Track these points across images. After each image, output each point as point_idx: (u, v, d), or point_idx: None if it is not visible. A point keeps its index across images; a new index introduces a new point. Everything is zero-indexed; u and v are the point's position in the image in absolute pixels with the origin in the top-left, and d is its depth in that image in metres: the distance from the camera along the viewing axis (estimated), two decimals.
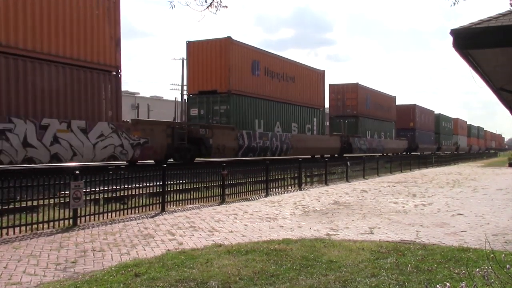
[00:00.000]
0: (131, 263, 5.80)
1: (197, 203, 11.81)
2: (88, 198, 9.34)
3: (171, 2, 7.99)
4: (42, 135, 14.85)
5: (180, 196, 11.46)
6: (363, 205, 11.87)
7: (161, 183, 10.90)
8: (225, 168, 12.87)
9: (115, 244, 7.10)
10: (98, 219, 9.15)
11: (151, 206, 10.53)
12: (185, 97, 57.79)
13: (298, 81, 31.79)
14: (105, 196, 10.10)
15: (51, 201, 8.82)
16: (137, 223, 8.92)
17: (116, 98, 17.77)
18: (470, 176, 24.53)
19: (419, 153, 52.67)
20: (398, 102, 54.21)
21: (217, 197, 12.54)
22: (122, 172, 11.02)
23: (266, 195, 14.09)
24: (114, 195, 10.31)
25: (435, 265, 5.71)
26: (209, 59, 25.20)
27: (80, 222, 8.77)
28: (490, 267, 4.10)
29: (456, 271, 5.38)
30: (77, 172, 9.03)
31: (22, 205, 8.75)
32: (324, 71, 36.29)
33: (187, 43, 26.03)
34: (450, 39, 5.60)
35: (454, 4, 9.01)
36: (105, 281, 5.07)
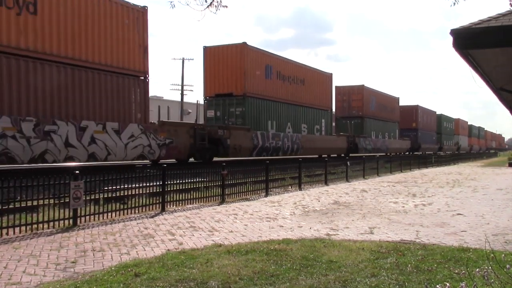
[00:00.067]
0: (131, 263, 5.80)
1: (197, 203, 11.82)
2: (88, 198, 9.34)
3: (171, 2, 7.99)
4: (81, 136, 16.14)
5: (180, 196, 11.47)
6: (363, 205, 11.87)
7: (161, 183, 10.91)
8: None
9: (115, 244, 7.10)
10: (98, 219, 9.16)
11: (151, 206, 10.54)
12: (185, 97, 57.65)
13: (307, 83, 33.00)
14: (105, 196, 10.11)
15: (51, 201, 8.83)
16: (137, 223, 8.92)
17: (144, 101, 19.10)
18: (470, 176, 24.53)
19: (421, 153, 53.15)
20: (399, 102, 54.96)
21: (217, 197, 12.54)
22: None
23: (266, 195, 14.09)
24: (114, 195, 10.32)
25: (435, 265, 5.72)
26: (225, 63, 26.37)
27: (80, 222, 8.77)
28: (490, 267, 4.10)
29: (456, 271, 5.38)
30: (77, 172, 9.04)
31: (22, 205, 8.76)
32: (331, 73, 37.38)
33: (204, 48, 27.15)
34: (450, 39, 5.60)
35: (454, 4, 9.03)
36: (105, 281, 5.08)
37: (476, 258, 6.10)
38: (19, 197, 8.81)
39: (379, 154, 42.69)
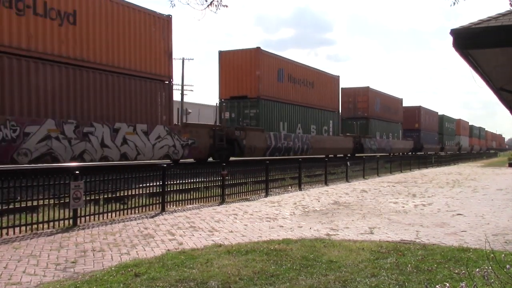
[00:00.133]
0: (131, 263, 5.80)
1: (197, 203, 11.81)
2: (88, 198, 9.34)
3: (171, 1, 7.99)
4: (114, 137, 17.38)
5: (180, 196, 11.46)
6: (363, 205, 11.87)
7: (161, 183, 10.91)
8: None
9: (115, 244, 7.10)
10: (98, 219, 9.15)
11: (151, 206, 10.54)
12: (185, 97, 57.67)
13: (316, 86, 34.24)
14: (105, 196, 10.10)
15: (51, 201, 8.82)
16: (137, 223, 8.92)
17: (168, 104, 20.37)
18: (470, 176, 24.53)
19: (424, 153, 53.70)
20: (402, 103, 55.93)
21: (217, 197, 12.54)
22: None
23: (266, 195, 14.09)
24: (114, 195, 10.32)
25: (435, 265, 5.71)
26: (240, 67, 27.56)
27: (80, 222, 8.77)
28: (490, 267, 4.10)
29: (456, 271, 5.38)
30: (77, 172, 9.04)
31: (22, 205, 8.76)
32: (339, 76, 38.58)
33: (219, 53, 28.33)
34: (450, 39, 5.59)
35: (454, 4, 9.02)
36: (105, 281, 5.07)
37: (476, 258, 6.10)
38: (19, 197, 8.81)
39: (384, 154, 43.58)
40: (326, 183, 18.21)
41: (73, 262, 5.99)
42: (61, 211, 8.58)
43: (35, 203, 8.72)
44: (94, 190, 9.87)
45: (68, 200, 8.71)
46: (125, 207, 9.97)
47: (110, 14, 17.50)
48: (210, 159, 23.88)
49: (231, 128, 25.19)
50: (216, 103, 28.96)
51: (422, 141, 57.79)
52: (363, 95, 44.04)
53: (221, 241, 7.27)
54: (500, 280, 3.72)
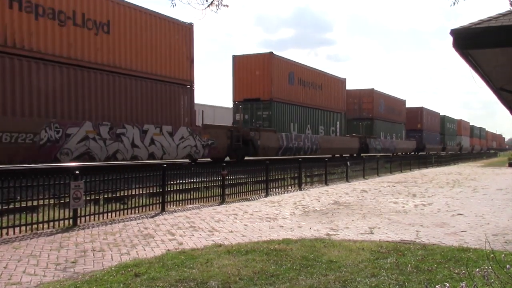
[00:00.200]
0: (131, 263, 5.80)
1: (197, 203, 11.81)
2: (88, 198, 9.34)
3: (172, 0, 7.98)
4: (143, 138, 18.75)
5: (180, 196, 11.47)
6: (363, 205, 11.87)
7: (161, 183, 10.91)
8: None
9: (115, 244, 7.10)
10: (98, 219, 9.15)
11: (151, 206, 10.54)
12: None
13: (324, 88, 35.73)
14: (105, 196, 10.11)
15: (51, 201, 8.82)
16: (137, 223, 8.92)
17: (190, 106, 21.70)
18: (470, 176, 24.53)
19: (426, 153, 54.56)
20: (405, 104, 57.11)
21: (217, 197, 12.54)
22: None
23: (266, 195, 14.09)
24: (114, 195, 10.32)
25: (435, 265, 5.71)
26: (253, 71, 28.94)
27: (80, 222, 8.77)
28: (490, 267, 4.10)
29: (456, 271, 5.38)
30: (77, 172, 9.04)
31: (22, 205, 8.75)
32: (345, 78, 40.11)
33: (233, 57, 29.68)
34: (450, 39, 5.59)
35: (454, 4, 9.01)
36: (105, 281, 5.07)
37: (476, 258, 6.09)
38: (19, 197, 8.81)
39: (388, 154, 44.62)
40: (326, 183, 18.21)
41: (73, 262, 5.99)
42: (61, 211, 8.58)
43: (35, 203, 8.71)
44: (94, 190, 9.87)
45: (68, 200, 8.71)
46: (125, 207, 9.97)
47: (139, 23, 18.89)
48: (227, 158, 25.03)
49: (247, 129, 26.34)
50: (233, 105, 30.16)
51: (425, 141, 58.79)
52: (368, 96, 45.40)
53: (221, 241, 7.26)
54: (500, 280, 3.72)
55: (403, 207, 11.63)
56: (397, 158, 32.33)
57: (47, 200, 8.80)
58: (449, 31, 5.61)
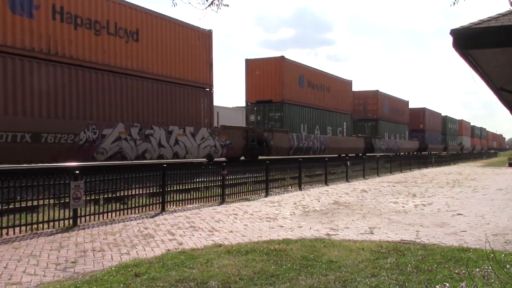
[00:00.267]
0: (131, 263, 5.80)
1: (197, 203, 11.81)
2: (88, 198, 9.34)
3: (173, 0, 7.97)
4: (169, 138, 20.00)
5: (180, 196, 11.46)
6: (363, 205, 11.87)
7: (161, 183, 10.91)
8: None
9: (115, 244, 7.10)
10: (98, 219, 9.15)
11: (151, 206, 10.54)
12: None
13: (332, 90, 37.07)
14: (105, 196, 10.11)
15: (51, 201, 8.82)
16: (137, 223, 8.92)
17: (209, 108, 23.07)
18: (470, 176, 24.53)
19: (428, 152, 55.27)
20: (409, 105, 58.11)
21: (217, 197, 12.54)
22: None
23: (266, 195, 14.09)
24: (114, 195, 10.32)
25: (435, 265, 5.71)
26: (265, 74, 30.28)
27: (80, 222, 8.77)
28: (490, 267, 4.10)
29: (456, 271, 5.38)
30: (77, 172, 9.04)
31: (22, 205, 8.75)
32: (351, 80, 41.49)
33: (246, 60, 31.17)
34: (450, 39, 5.59)
35: (454, 4, 8.99)
36: (105, 281, 5.07)
37: (476, 258, 6.09)
38: (19, 197, 8.81)
39: (392, 154, 45.53)
40: (326, 183, 18.21)
41: (73, 262, 5.99)
42: (61, 211, 8.58)
43: (35, 203, 8.71)
44: (94, 190, 9.87)
45: (68, 200, 8.71)
46: (125, 207, 9.97)
47: (164, 31, 20.23)
48: (242, 158, 26.19)
49: (261, 130, 27.53)
50: (249, 107, 31.31)
51: (427, 141, 59.78)
52: (373, 98, 46.69)
53: (221, 241, 7.27)
54: (500, 280, 3.72)
55: (403, 207, 11.63)
56: (397, 158, 32.39)
57: (47, 200, 8.80)
58: (449, 31, 5.61)
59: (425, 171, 29.45)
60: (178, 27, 21.02)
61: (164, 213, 10.28)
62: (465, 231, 8.29)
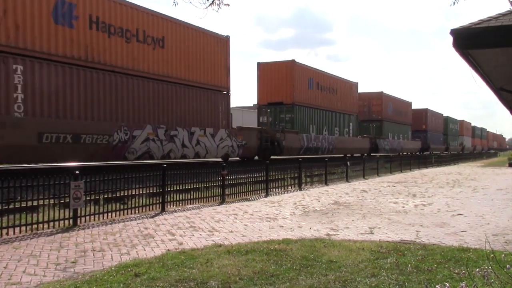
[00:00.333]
0: (131, 263, 5.80)
1: (197, 203, 11.81)
2: (88, 198, 9.34)
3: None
4: (191, 139, 21.19)
5: (180, 196, 11.46)
6: (363, 205, 11.87)
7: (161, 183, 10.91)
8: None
9: (115, 244, 7.10)
10: (98, 219, 9.15)
11: (151, 206, 10.54)
12: None
13: (339, 92, 38.16)
14: (105, 196, 10.11)
15: (51, 201, 8.82)
16: (137, 223, 8.92)
17: (227, 111, 24.31)
18: (470, 176, 24.53)
19: (430, 152, 55.83)
20: (411, 106, 59.02)
21: (217, 197, 12.54)
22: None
23: (266, 195, 14.09)
24: (114, 195, 10.32)
25: (435, 265, 5.71)
26: (276, 77, 31.31)
27: (80, 222, 8.77)
28: (490, 267, 4.10)
29: (456, 271, 5.38)
30: (77, 172, 9.03)
31: (22, 205, 8.75)
32: (357, 82, 42.64)
33: (257, 64, 32.14)
34: (450, 39, 5.58)
35: (454, 3, 8.98)
36: (105, 281, 5.07)
37: (476, 258, 6.09)
38: (19, 197, 8.81)
39: (396, 154, 46.36)
40: (326, 183, 18.21)
41: (73, 262, 5.99)
42: (61, 211, 8.58)
43: (35, 203, 8.71)
44: (94, 190, 9.88)
45: (68, 200, 8.71)
46: (125, 207, 9.97)
47: (187, 37, 21.48)
48: (256, 157, 27.15)
49: (273, 131, 28.58)
50: (263, 109, 32.26)
51: (429, 141, 60.63)
52: (377, 99, 47.68)
53: (221, 241, 7.27)
54: (500, 280, 3.72)
55: (403, 207, 11.63)
56: (397, 158, 32.43)
57: (47, 200, 8.80)
58: (449, 31, 5.61)
59: (425, 171, 29.45)
60: (199, 33, 22.26)
61: (164, 213, 10.28)
62: (465, 231, 8.29)
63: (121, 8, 18.07)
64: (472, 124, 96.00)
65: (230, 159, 25.11)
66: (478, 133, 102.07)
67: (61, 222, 8.46)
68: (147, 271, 5.39)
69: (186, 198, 11.60)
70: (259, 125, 30.43)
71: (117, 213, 9.62)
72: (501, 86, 9.14)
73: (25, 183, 8.39)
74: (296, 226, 8.75)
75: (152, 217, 9.71)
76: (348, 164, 20.80)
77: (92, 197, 9.77)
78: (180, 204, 11.31)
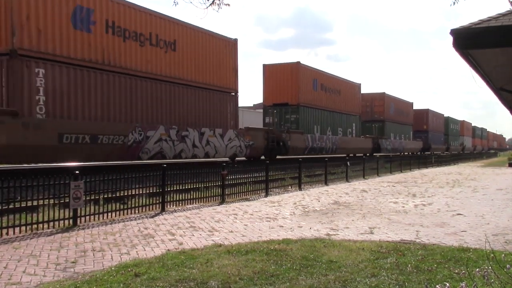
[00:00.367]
0: (131, 263, 5.80)
1: (197, 203, 11.81)
2: (88, 198, 9.34)
3: None
4: (201, 139, 21.81)
5: (180, 196, 11.46)
6: (363, 205, 11.87)
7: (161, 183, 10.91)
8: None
9: (115, 244, 7.10)
10: (98, 219, 9.15)
11: (151, 206, 10.54)
12: None
13: (342, 93, 38.76)
14: (105, 196, 10.11)
15: (51, 201, 8.82)
16: (137, 223, 8.92)
17: (235, 112, 24.98)
18: (470, 176, 24.53)
19: (431, 152, 56.20)
20: (413, 107, 59.48)
21: (217, 197, 12.54)
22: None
23: (266, 195, 14.09)
24: (114, 195, 10.32)
25: (435, 265, 5.71)
26: (282, 78, 31.88)
27: (80, 222, 8.77)
28: (490, 267, 4.10)
29: (456, 271, 5.38)
30: (77, 172, 9.03)
31: (22, 205, 8.75)
32: (360, 84, 43.23)
33: (263, 65, 32.75)
34: (450, 39, 5.58)
35: (454, 3, 8.98)
36: (105, 281, 5.07)
37: (476, 258, 6.09)
38: (19, 197, 8.81)
39: (397, 154, 46.91)
40: (326, 183, 18.21)
41: (73, 262, 5.99)
42: (61, 211, 8.58)
43: (35, 203, 8.71)
44: (94, 190, 9.87)
45: (68, 200, 8.71)
46: (125, 207, 9.97)
47: (197, 41, 22.13)
48: (262, 157, 27.49)
49: (279, 131, 29.12)
50: (270, 110, 32.67)
51: (430, 141, 61.15)
52: (380, 100, 48.27)
53: (221, 241, 7.27)
54: (500, 280, 3.71)
55: (403, 207, 11.63)
56: (397, 158, 32.45)
57: (47, 200, 8.80)
58: (449, 31, 5.61)
59: (425, 171, 29.45)
60: (208, 37, 22.92)
61: (164, 213, 10.28)
62: (465, 231, 8.29)
63: (135, 12, 18.69)
64: (472, 124, 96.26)
65: (237, 158, 25.71)
66: (479, 133, 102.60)
67: (61, 222, 8.46)
68: (147, 271, 5.39)
69: (186, 198, 11.59)
70: (264, 126, 30.85)
71: (117, 213, 9.62)
72: (501, 86, 9.14)
73: (25, 183, 8.39)
74: (296, 226, 8.75)
75: (152, 217, 9.71)
76: (348, 164, 20.80)
77: (92, 197, 9.77)
78: (180, 204, 11.31)
